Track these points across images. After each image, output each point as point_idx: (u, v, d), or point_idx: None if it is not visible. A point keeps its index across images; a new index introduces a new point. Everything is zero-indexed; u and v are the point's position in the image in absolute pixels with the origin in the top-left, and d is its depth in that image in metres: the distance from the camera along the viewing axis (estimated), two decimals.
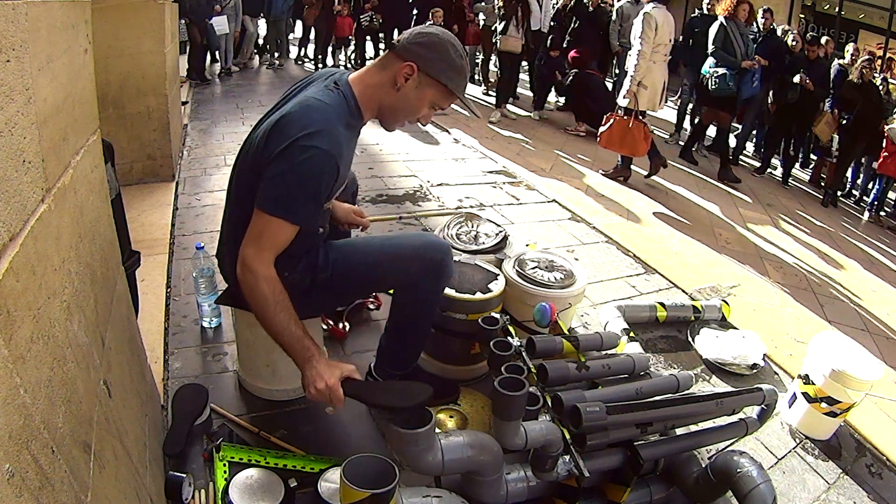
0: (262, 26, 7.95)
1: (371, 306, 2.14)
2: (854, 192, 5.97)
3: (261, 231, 1.22)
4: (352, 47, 8.09)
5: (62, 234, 0.82)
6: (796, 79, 5.01)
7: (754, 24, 5.38)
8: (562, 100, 6.46)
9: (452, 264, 1.51)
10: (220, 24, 6.62)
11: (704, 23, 5.50)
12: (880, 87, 5.30)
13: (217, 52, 6.98)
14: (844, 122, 5.13)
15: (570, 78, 5.58)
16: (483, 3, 7.10)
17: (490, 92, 6.95)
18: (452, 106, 1.42)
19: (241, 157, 1.36)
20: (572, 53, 5.64)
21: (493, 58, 7.09)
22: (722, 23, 4.60)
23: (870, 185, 5.63)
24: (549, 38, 5.90)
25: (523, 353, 1.47)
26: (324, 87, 1.29)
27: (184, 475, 1.29)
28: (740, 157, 5.72)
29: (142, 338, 1.45)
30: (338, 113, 1.25)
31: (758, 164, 5.72)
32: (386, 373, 1.65)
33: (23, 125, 0.68)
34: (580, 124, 5.70)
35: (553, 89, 6.24)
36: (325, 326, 1.95)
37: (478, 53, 7.60)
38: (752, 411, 1.58)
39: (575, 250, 2.95)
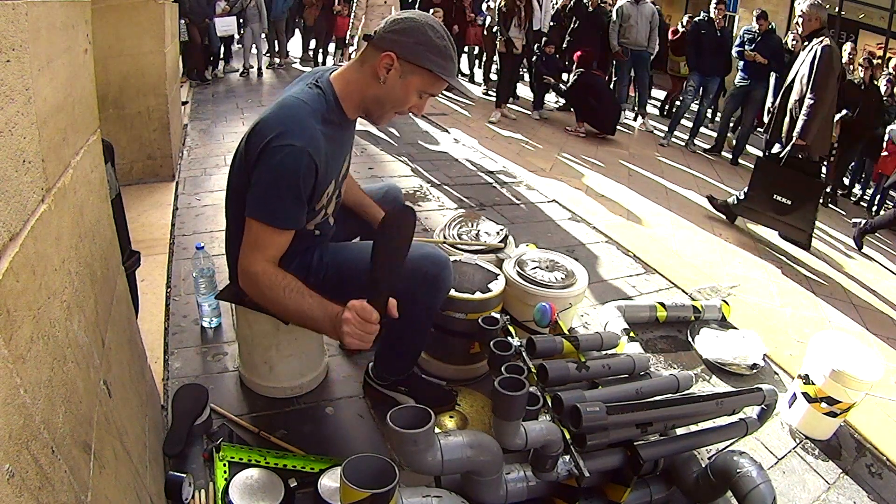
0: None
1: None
2: (854, 191, 5.96)
3: (255, 240, 1.23)
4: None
5: (62, 234, 0.82)
6: None
7: (752, 23, 5.38)
8: (562, 100, 6.46)
9: (451, 278, 1.48)
10: (227, 24, 6.57)
11: (711, 26, 5.50)
12: (884, 90, 5.28)
13: (225, 52, 6.96)
14: (845, 112, 5.10)
15: (575, 78, 5.57)
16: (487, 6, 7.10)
17: (490, 92, 6.96)
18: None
19: (232, 160, 1.37)
20: (577, 53, 5.64)
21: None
22: None
23: (869, 186, 5.64)
24: (544, 36, 5.90)
25: (523, 353, 1.47)
26: (304, 86, 1.28)
27: (184, 475, 1.29)
28: (739, 157, 5.71)
29: (142, 338, 1.45)
30: (313, 109, 1.22)
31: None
32: (383, 377, 1.66)
33: (23, 125, 0.68)
34: (580, 124, 5.70)
35: (553, 91, 6.23)
36: None
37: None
38: (752, 411, 1.58)
39: (575, 250, 2.95)
